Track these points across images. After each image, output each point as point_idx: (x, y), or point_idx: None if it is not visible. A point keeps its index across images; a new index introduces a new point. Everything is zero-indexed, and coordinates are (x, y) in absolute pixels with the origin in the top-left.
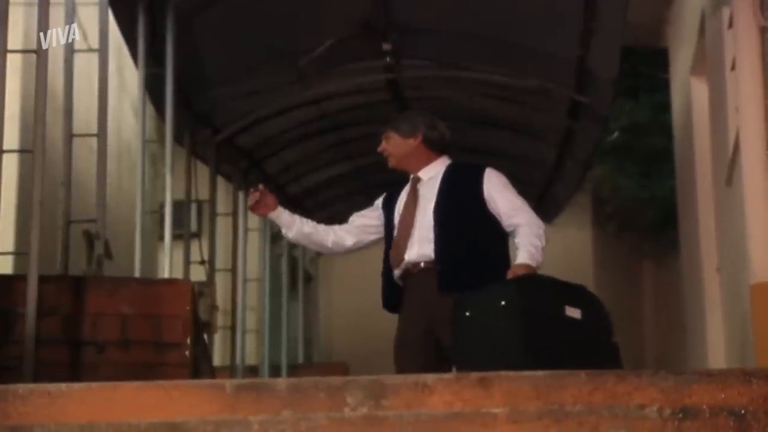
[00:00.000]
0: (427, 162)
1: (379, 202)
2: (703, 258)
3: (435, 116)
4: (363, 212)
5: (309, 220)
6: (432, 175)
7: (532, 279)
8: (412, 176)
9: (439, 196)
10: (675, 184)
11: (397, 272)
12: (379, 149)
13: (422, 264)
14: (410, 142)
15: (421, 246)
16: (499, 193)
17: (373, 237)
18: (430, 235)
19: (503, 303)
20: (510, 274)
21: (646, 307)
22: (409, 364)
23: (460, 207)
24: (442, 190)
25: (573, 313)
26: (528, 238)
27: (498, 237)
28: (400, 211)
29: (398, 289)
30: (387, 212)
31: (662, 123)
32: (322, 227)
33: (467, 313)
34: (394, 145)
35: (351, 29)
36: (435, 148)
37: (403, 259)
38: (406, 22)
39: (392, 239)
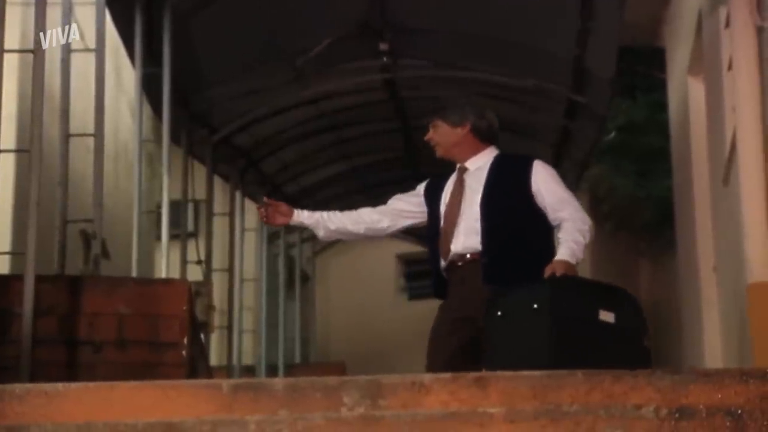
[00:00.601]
0: (475, 152)
1: (421, 188)
2: (700, 257)
3: (484, 107)
4: (403, 196)
5: (333, 214)
6: (480, 165)
7: (566, 281)
8: (459, 166)
9: (486, 187)
10: (672, 184)
11: (443, 263)
12: (426, 138)
13: (468, 255)
14: (458, 132)
15: (467, 238)
16: (546, 185)
17: (408, 222)
18: (477, 226)
19: (535, 306)
20: (548, 270)
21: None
22: (440, 350)
23: (507, 199)
24: (489, 182)
25: (606, 317)
26: (570, 234)
27: (544, 230)
28: (446, 201)
29: (444, 279)
30: (430, 200)
31: (659, 122)
32: (348, 218)
33: (499, 313)
34: (442, 134)
35: (348, 29)
36: (483, 138)
37: (449, 250)
38: (402, 22)
39: (437, 229)
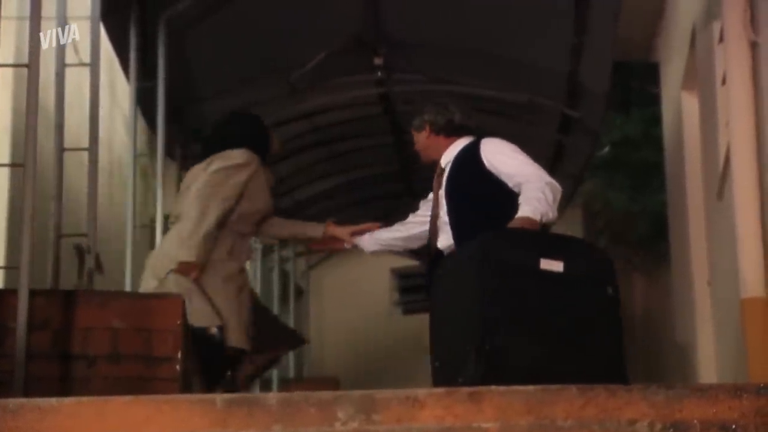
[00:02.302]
0: (445, 148)
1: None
2: (694, 272)
3: (449, 99)
4: (424, 201)
5: (389, 231)
6: (449, 159)
7: (501, 232)
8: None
9: (447, 181)
10: (666, 198)
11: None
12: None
13: (446, 252)
14: (423, 135)
15: (444, 235)
16: (496, 159)
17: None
18: (447, 222)
19: (466, 260)
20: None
21: (636, 321)
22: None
23: (468, 187)
24: (450, 175)
25: (550, 266)
26: (529, 192)
27: (516, 207)
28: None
29: None
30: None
31: (653, 137)
32: (399, 234)
33: (440, 272)
34: (417, 143)
35: (343, 43)
36: (448, 132)
37: (435, 248)
38: (397, 37)
39: None
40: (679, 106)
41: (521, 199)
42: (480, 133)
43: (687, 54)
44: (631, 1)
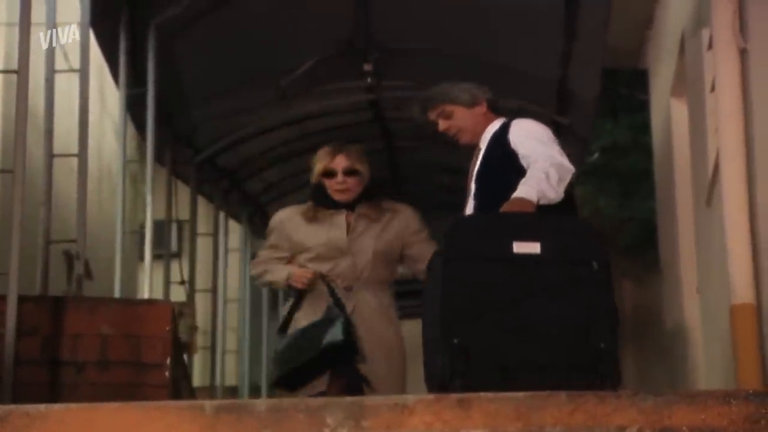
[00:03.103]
0: (485, 127)
1: None
2: (683, 278)
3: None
4: None
5: None
6: (486, 138)
7: (467, 217)
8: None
9: (480, 165)
10: (655, 205)
11: None
12: (442, 129)
13: None
14: (476, 111)
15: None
16: (519, 140)
17: None
18: (472, 205)
19: (436, 253)
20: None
21: (625, 328)
22: None
23: (495, 168)
24: (484, 155)
25: (526, 248)
26: (532, 170)
27: None
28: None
29: None
30: None
31: (642, 144)
32: None
33: (426, 267)
34: (462, 119)
35: (332, 49)
36: (496, 110)
37: None
38: (387, 43)
39: None
40: (668, 112)
41: (522, 180)
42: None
43: (676, 61)
44: (621, 8)
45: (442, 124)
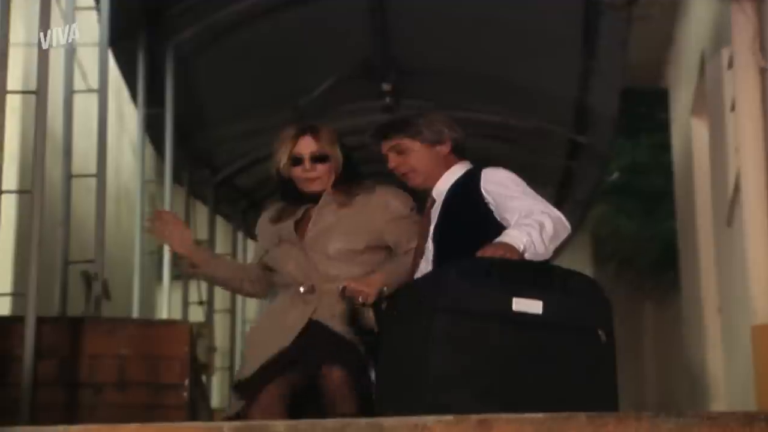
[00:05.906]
0: (443, 173)
1: None
2: (704, 298)
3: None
4: None
5: None
6: (444, 188)
7: (465, 263)
8: (431, 194)
9: (438, 217)
10: (675, 224)
11: None
12: (392, 166)
13: None
14: (438, 151)
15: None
16: (495, 191)
17: None
18: (432, 261)
19: (421, 298)
20: (480, 254)
21: (646, 348)
22: None
23: (461, 223)
24: (442, 210)
25: (527, 306)
26: (525, 220)
27: None
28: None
29: None
30: None
31: (662, 163)
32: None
33: (395, 312)
34: (418, 158)
35: (351, 69)
36: (459, 153)
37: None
38: (405, 63)
39: None
40: (689, 132)
41: (512, 225)
42: (476, 160)
43: (696, 80)
44: (641, 27)
45: (393, 161)
